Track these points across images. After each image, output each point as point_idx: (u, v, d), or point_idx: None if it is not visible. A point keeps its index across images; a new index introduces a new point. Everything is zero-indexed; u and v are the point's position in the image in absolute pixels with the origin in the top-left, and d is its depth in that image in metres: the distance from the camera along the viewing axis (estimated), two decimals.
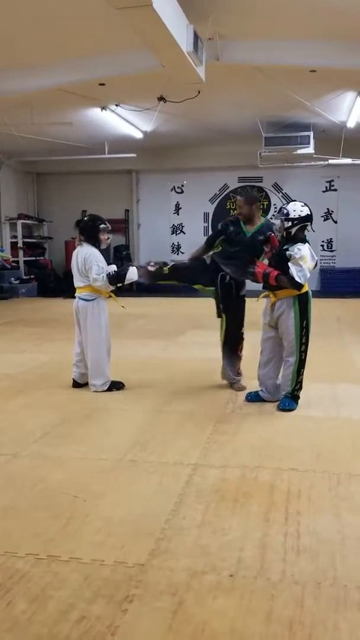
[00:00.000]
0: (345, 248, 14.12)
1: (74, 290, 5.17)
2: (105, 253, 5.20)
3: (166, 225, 15.09)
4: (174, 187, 14.93)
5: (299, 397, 4.60)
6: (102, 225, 5.10)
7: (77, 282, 5.09)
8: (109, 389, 5.10)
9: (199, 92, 7.85)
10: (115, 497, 3.07)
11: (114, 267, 5.07)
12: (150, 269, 5.09)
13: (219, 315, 5.09)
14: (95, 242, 5.07)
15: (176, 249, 15.02)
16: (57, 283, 14.22)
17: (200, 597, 2.21)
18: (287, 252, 4.36)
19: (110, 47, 6.82)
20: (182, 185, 14.85)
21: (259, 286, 4.62)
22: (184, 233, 15.00)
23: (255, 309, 4.98)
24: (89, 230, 5.09)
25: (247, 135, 11.54)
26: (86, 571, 2.37)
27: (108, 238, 5.21)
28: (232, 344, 5.08)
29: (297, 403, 4.57)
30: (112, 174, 14.58)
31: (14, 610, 2.13)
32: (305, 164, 12.56)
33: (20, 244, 14.39)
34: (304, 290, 4.45)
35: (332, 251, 14.34)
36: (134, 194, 15.10)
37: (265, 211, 13.80)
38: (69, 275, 5.83)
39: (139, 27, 5.22)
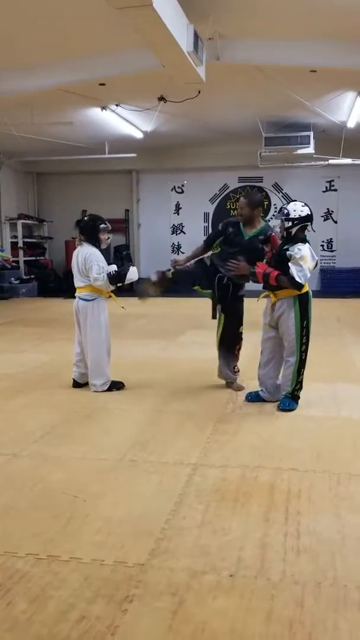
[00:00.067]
0: (345, 248, 14.13)
1: (74, 290, 5.17)
2: (105, 253, 5.21)
3: (166, 225, 15.09)
4: (174, 187, 14.93)
5: (299, 397, 4.60)
6: (102, 225, 5.10)
7: (77, 282, 5.09)
8: (109, 389, 5.10)
9: (199, 92, 7.85)
10: (115, 497, 3.07)
11: (114, 267, 5.07)
12: (153, 278, 5.01)
13: (214, 317, 5.07)
14: (95, 242, 5.07)
15: (176, 248, 15.02)
16: (57, 283, 14.22)
17: (200, 597, 2.21)
18: (288, 252, 4.36)
19: (110, 47, 6.82)
20: (182, 185, 14.86)
21: (259, 286, 4.62)
22: (184, 233, 15.00)
23: (256, 309, 4.98)
24: (89, 230, 5.09)
25: (247, 135, 11.54)
26: (86, 571, 2.37)
27: (108, 238, 5.21)
28: (229, 343, 5.07)
29: (297, 403, 4.57)
30: (112, 173, 14.58)
31: (14, 610, 2.13)
32: (306, 164, 12.56)
33: (20, 244, 14.39)
34: (304, 290, 4.45)
35: (332, 251, 14.34)
36: (134, 193, 15.11)
37: (265, 211, 13.81)
38: (69, 275, 5.83)
39: (139, 27, 5.22)
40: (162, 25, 5.03)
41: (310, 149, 11.12)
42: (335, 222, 14.19)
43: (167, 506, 2.93)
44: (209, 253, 5.06)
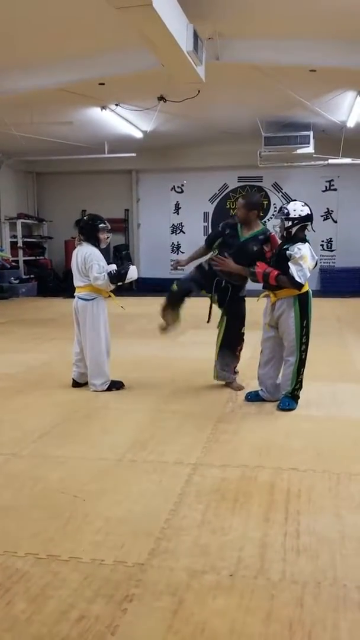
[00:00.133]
0: (345, 248, 14.12)
1: (73, 289, 5.17)
2: (105, 252, 5.20)
3: (166, 224, 15.09)
4: (174, 186, 14.93)
5: (299, 397, 4.59)
6: (101, 225, 5.10)
7: (77, 281, 5.09)
8: (109, 389, 5.10)
9: (199, 91, 7.85)
10: (114, 496, 3.06)
11: (114, 267, 5.07)
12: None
13: (209, 321, 5.03)
14: (95, 242, 5.07)
15: (176, 248, 15.02)
16: (56, 283, 14.24)
17: (200, 596, 2.21)
18: (287, 252, 4.36)
19: (110, 46, 6.82)
20: (182, 185, 14.85)
21: (259, 286, 4.62)
22: (184, 233, 15.00)
23: (256, 309, 4.98)
24: (89, 229, 5.09)
25: (247, 134, 11.53)
26: (86, 571, 2.37)
27: (108, 237, 5.20)
28: (230, 344, 5.06)
29: (297, 403, 4.57)
30: (112, 173, 14.58)
31: (13, 610, 2.13)
32: (305, 164, 12.55)
33: (20, 244, 14.39)
34: (304, 290, 4.45)
35: (332, 251, 14.34)
36: (134, 193, 15.11)
37: (265, 211, 13.81)
38: (68, 275, 5.83)
39: (139, 27, 5.22)
40: (161, 25, 5.03)
41: (310, 149, 11.11)
42: (335, 222, 14.19)
43: (167, 506, 2.92)
44: (210, 254, 5.04)
